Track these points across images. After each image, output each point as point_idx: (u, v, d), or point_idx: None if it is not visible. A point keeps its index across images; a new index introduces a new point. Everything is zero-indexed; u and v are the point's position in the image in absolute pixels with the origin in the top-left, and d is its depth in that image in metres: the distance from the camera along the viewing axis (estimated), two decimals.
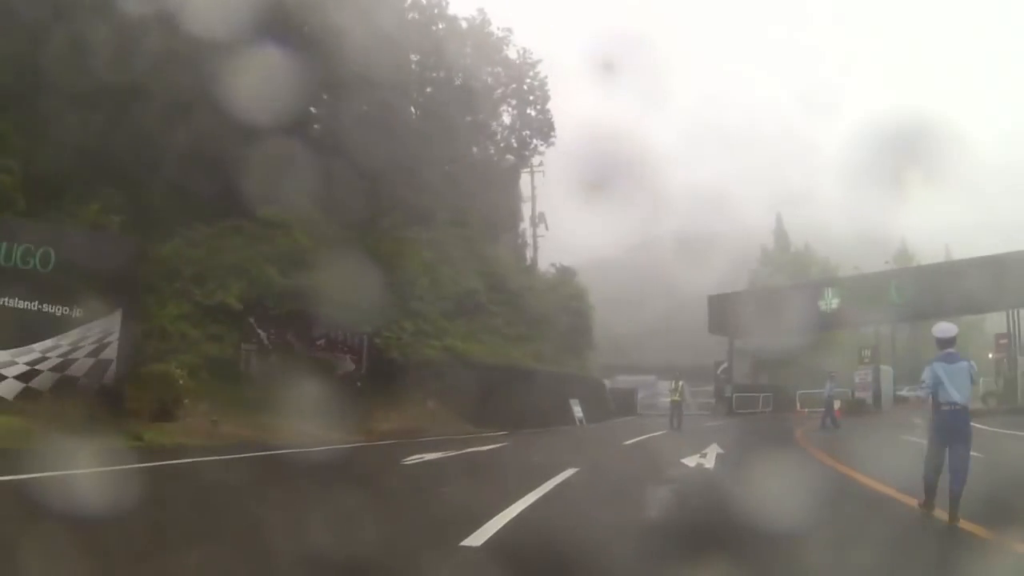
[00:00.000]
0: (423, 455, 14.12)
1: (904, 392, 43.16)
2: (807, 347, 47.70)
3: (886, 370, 39.58)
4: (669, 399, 27.27)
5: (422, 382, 26.86)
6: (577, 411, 35.49)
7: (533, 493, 8.81)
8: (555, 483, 9.94)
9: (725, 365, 46.80)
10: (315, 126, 32.84)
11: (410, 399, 26.54)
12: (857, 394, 37.70)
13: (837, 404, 33.88)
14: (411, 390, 26.57)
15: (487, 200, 44.32)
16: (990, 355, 38.04)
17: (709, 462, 13.33)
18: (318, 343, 27.28)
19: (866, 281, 40.50)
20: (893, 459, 11.38)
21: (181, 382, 18.06)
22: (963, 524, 7.13)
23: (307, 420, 18.22)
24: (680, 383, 27.02)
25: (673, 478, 11.58)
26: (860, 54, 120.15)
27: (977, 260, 35.62)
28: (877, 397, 38.25)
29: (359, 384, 26.68)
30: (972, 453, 7.71)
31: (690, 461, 13.38)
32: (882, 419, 30.38)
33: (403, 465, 12.91)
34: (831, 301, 40.35)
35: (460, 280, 35.41)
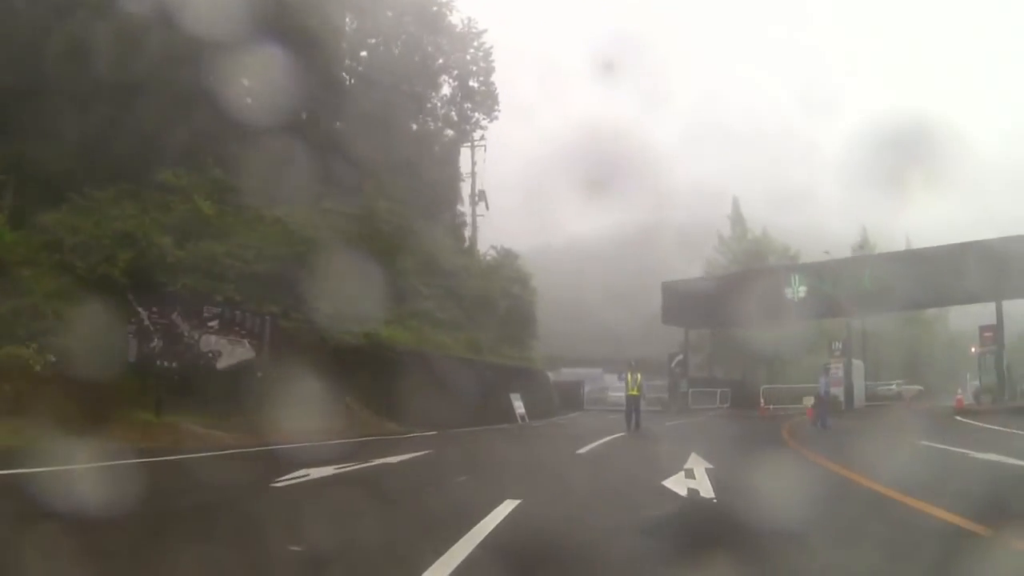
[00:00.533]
0: (309, 471, 10.13)
1: (894, 386, 40.82)
2: (771, 339, 44.69)
3: (857, 364, 36.34)
4: (625, 394, 23.35)
5: (339, 373, 22.91)
6: (519, 407, 31.63)
7: (440, 566, 4.73)
8: (481, 537, 5.79)
9: (680, 357, 43.31)
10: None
11: (324, 393, 22.50)
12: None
13: (809, 402, 30.69)
14: (325, 383, 22.49)
15: (424, 175, 40.94)
16: (972, 349, 35.34)
17: (703, 486, 9.31)
18: (209, 325, 22.91)
19: (838, 268, 37.21)
20: (940, 473, 9.75)
21: (39, 368, 14.85)
22: None
23: (188, 417, 16.40)
24: (638, 376, 23.13)
25: (664, 520, 7.38)
26: (832, 41, 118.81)
27: (961, 246, 32.40)
28: (849, 394, 35.00)
29: (260, 375, 22.50)
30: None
31: (676, 485, 9.33)
32: (869, 419, 26.95)
33: (269, 489, 8.89)
34: (798, 289, 36.96)
35: (389, 260, 31.66)
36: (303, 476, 9.78)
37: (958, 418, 24.92)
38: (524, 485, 9.61)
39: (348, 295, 26.89)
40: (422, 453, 14.11)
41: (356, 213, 32.22)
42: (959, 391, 27.21)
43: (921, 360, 53.89)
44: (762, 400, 37.22)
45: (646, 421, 23.89)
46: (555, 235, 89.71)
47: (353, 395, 23.49)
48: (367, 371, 23.95)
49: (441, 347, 29.82)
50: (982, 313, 54.07)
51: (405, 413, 23.75)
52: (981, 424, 22.14)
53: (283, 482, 9.26)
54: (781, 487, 8.27)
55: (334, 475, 10.28)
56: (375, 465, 11.90)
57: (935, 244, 32.77)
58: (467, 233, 46.61)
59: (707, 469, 10.86)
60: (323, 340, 23.81)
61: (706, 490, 9.06)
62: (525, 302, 41.89)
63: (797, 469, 11.71)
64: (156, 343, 20.78)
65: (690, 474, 10.33)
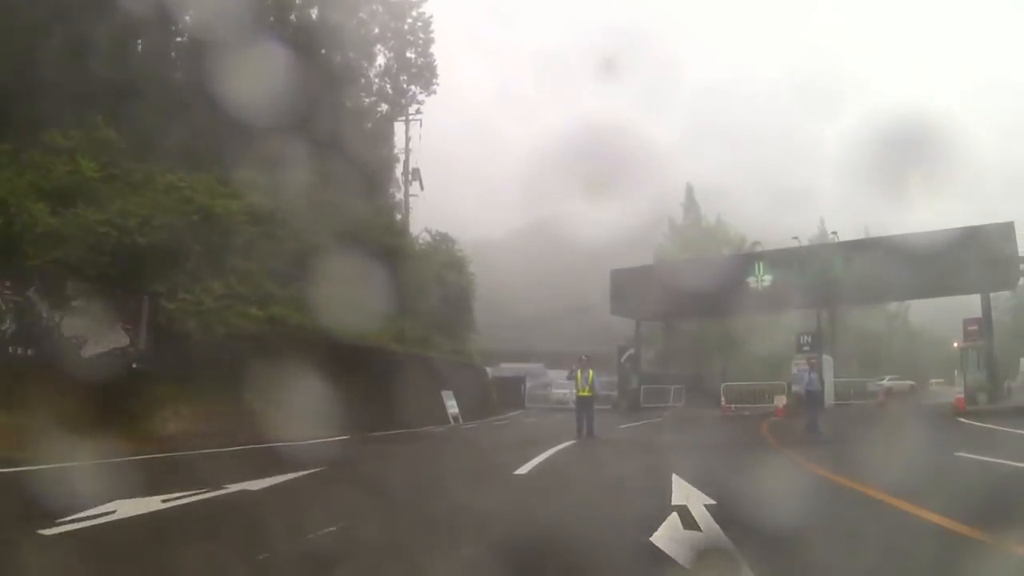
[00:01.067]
0: (119, 505, 6.80)
1: (885, 381, 37.90)
2: (731, 332, 41.58)
3: (827, 360, 33.15)
4: (575, 393, 19.64)
5: (236, 365, 18.92)
6: (451, 406, 27.85)
7: None
8: None
9: (631, 351, 39.73)
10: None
11: (218, 388, 18.58)
12: (794, 388, 31.06)
13: (781, 401, 27.36)
14: (218, 376, 18.51)
15: (354, 150, 37.10)
16: (955, 344, 32.58)
17: (719, 548, 5.52)
18: (73, 304, 18.72)
19: (807, 255, 33.95)
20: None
21: None
22: None
23: (37, 416, 12.53)
24: (590, 373, 19.44)
25: None
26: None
27: (943, 233, 29.30)
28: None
29: (135, 365, 18.40)
30: None
31: (675, 545, 5.53)
32: (861, 422, 23.59)
33: (24, 541, 5.47)
34: (763, 277, 33.56)
35: (304, 235, 27.63)
36: (101, 515, 6.43)
37: (962, 420, 21.75)
38: (421, 544, 5.75)
39: (251, 274, 22.91)
40: (307, 473, 10.14)
41: (267, 184, 28.35)
42: (959, 390, 24.21)
43: (882, 355, 51.44)
44: (723, 398, 33.89)
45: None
46: (499, 227, 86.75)
47: (253, 391, 19.56)
48: (271, 363, 19.95)
49: (363, 336, 25.86)
50: (947, 306, 51.77)
51: (316, 413, 19.92)
52: (995, 427, 18.99)
53: (60, 526, 5.91)
54: (834, 536, 5.93)
55: (148, 515, 6.75)
56: (225, 495, 8.09)
57: (915, 231, 29.60)
58: (412, 218, 42.96)
59: (708, 506, 7.14)
60: (217, 325, 19.93)
61: (720, 541, 5.33)
62: (461, 290, 38.19)
63: (835, 502, 8.11)
64: (8, 325, 16.70)
65: (687, 518, 6.58)
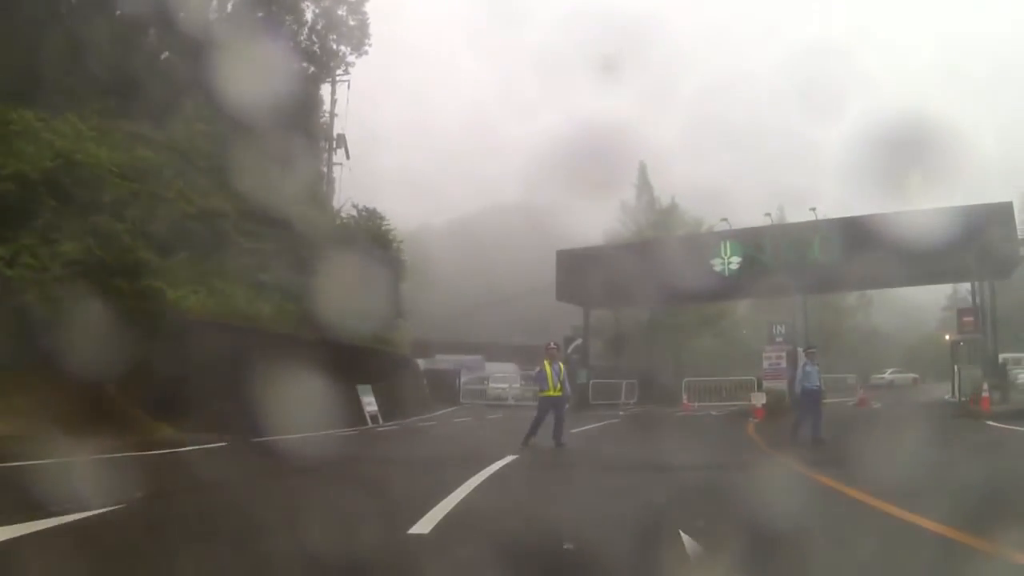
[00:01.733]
0: None
1: (887, 375, 34.69)
2: (687, 322, 37.85)
3: (800, 354, 29.43)
4: (540, 392, 15.44)
5: (98, 349, 14.43)
6: (369, 403, 23.51)
7: None
8: None
9: (578, 342, 35.48)
10: None
11: (68, 378, 13.98)
12: (766, 384, 27.34)
13: (760, 399, 23.53)
14: (75, 362, 13.94)
15: (271, 111, 32.66)
16: (947, 337, 29.40)
17: None
18: None
19: (781, 234, 29.93)
20: None
21: None
22: None
23: None
24: (561, 367, 15.47)
25: None
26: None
27: (938, 212, 25.74)
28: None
29: None
30: None
31: None
32: (867, 425, 19.78)
33: None
34: (729, 260, 29.56)
35: (196, 199, 23.31)
36: None
37: (991, 423, 18.11)
38: None
39: (117, 237, 18.26)
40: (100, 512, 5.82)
41: (157, 138, 23.93)
42: (984, 388, 20.68)
43: (845, 350, 48.28)
44: (685, 395, 29.99)
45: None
46: (439, 214, 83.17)
47: (117, 381, 15.10)
48: (143, 347, 15.58)
49: (259, 319, 21.48)
50: (910, 296, 48.83)
51: (196, 410, 15.96)
52: None
53: None
54: None
55: None
56: None
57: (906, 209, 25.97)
58: (338, 190, 38.49)
59: None
60: (60, 299, 15.38)
61: None
62: (390, 270, 33.78)
63: None
64: None
65: None
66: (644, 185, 46.36)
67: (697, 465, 11.60)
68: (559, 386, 15.00)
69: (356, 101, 40.90)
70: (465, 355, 48.28)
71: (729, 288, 30.38)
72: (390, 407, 25.27)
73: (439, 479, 9.04)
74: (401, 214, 41.01)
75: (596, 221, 45.84)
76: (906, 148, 28.73)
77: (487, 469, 9.98)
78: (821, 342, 35.78)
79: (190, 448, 13.36)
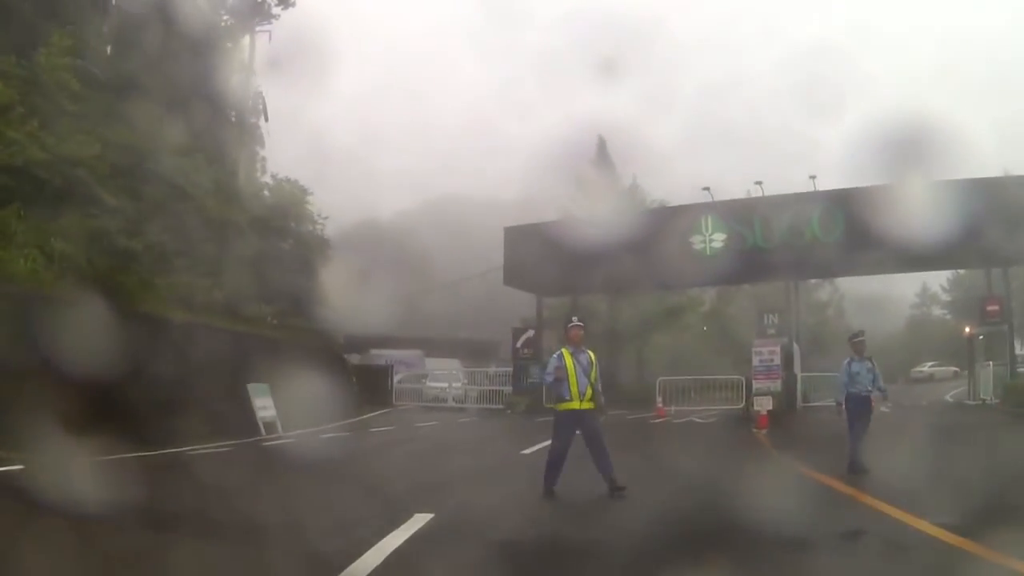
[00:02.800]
0: None
1: (926, 368, 30.42)
2: (659, 312, 33.17)
3: (797, 350, 24.89)
4: (558, 404, 9.17)
5: None
6: (264, 407, 18.43)
7: None
8: None
9: (529, 334, 30.56)
10: None
11: None
12: (756, 384, 22.78)
13: (766, 404, 18.93)
14: None
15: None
16: (967, 329, 25.39)
17: None
18: None
19: (774, 208, 24.93)
20: None
21: None
22: None
23: None
24: (591, 356, 9.27)
25: None
26: None
27: (953, 184, 21.50)
28: (791, 391, 23.65)
29: None
30: None
31: None
32: (910, 437, 14.92)
33: None
34: (712, 237, 24.84)
35: (53, 143, 18.23)
36: None
37: None
38: None
39: None
40: None
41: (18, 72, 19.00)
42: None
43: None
44: (659, 397, 25.23)
45: (478, 430, 10.90)
46: (382, 209, 78.95)
47: None
48: None
49: (119, 293, 16.31)
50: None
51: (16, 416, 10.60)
52: None
53: None
54: None
55: None
56: None
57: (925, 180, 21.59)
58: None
59: None
60: None
61: None
62: (309, 250, 28.76)
63: None
64: None
65: None
66: (604, 162, 41.19)
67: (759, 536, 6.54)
68: (586, 397, 9.01)
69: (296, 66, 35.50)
70: (405, 350, 43.12)
71: (710, 271, 25.44)
72: (298, 411, 20.18)
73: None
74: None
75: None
76: (906, 147, 24.41)
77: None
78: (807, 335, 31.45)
79: None
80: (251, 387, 18.22)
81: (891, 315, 58.71)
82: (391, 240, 60.89)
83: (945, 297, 58.10)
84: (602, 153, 42.15)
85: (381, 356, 40.63)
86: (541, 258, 27.33)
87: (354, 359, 39.43)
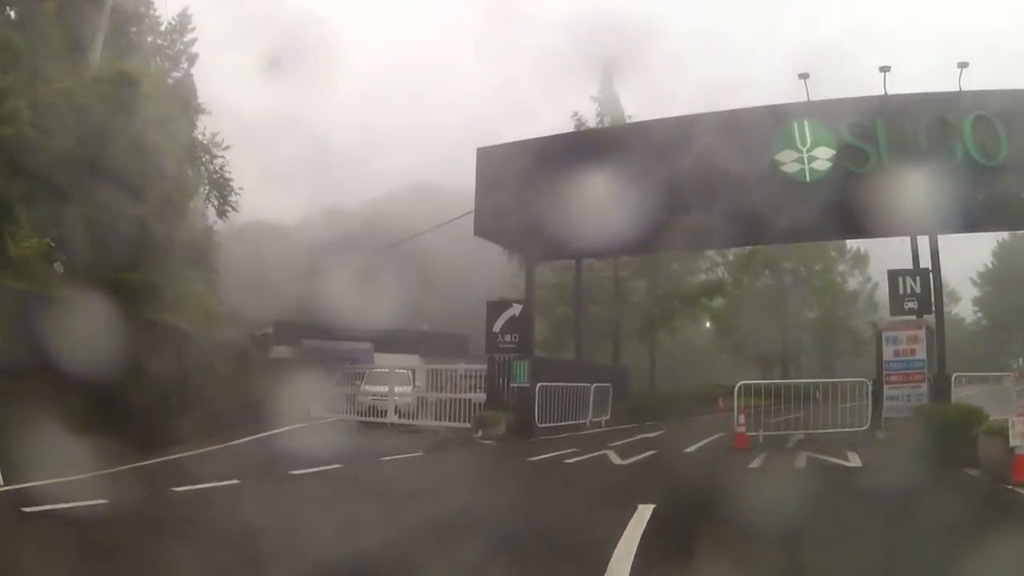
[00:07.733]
0: None
1: None
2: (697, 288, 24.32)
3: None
4: None
5: None
6: None
7: None
8: None
9: (514, 312, 20.31)
10: None
11: None
12: (889, 390, 13.89)
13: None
14: None
15: None
16: None
17: None
18: None
19: (906, 109, 15.60)
20: None
21: None
22: None
23: None
24: None
25: None
26: None
27: None
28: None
29: None
30: None
31: None
32: None
33: None
34: (811, 152, 15.40)
35: None
36: None
37: None
38: None
39: None
40: None
41: None
42: None
43: None
44: (737, 413, 15.30)
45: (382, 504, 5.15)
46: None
47: None
48: None
49: None
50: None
51: None
52: None
53: None
54: None
55: None
56: None
57: None
58: None
59: None
60: None
61: None
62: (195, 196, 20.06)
63: None
64: None
65: None
66: (609, 100, 31.49)
67: None
68: None
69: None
70: (352, 343, 34.03)
71: (811, 212, 15.88)
72: (126, 431, 11.06)
73: None
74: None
75: None
76: None
77: None
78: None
79: None
80: None
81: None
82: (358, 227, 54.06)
83: None
84: (607, 89, 33.36)
85: (319, 349, 32.02)
86: (533, 194, 18.24)
87: (281, 352, 32.58)
